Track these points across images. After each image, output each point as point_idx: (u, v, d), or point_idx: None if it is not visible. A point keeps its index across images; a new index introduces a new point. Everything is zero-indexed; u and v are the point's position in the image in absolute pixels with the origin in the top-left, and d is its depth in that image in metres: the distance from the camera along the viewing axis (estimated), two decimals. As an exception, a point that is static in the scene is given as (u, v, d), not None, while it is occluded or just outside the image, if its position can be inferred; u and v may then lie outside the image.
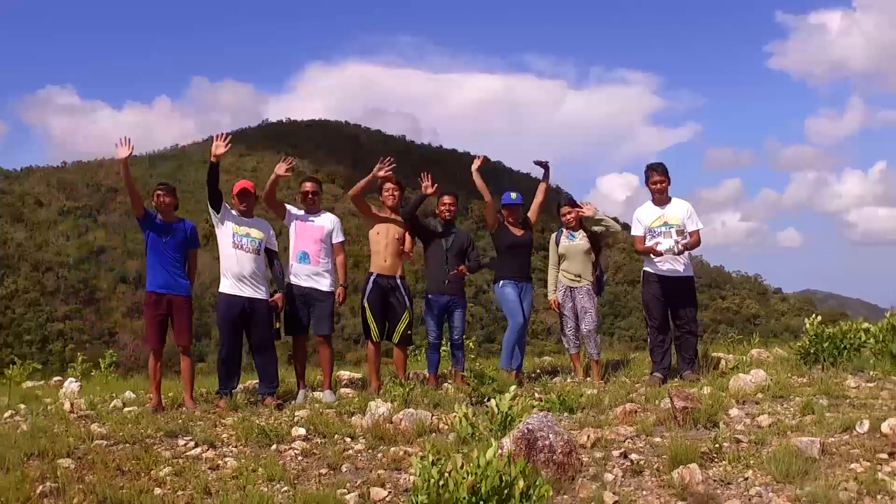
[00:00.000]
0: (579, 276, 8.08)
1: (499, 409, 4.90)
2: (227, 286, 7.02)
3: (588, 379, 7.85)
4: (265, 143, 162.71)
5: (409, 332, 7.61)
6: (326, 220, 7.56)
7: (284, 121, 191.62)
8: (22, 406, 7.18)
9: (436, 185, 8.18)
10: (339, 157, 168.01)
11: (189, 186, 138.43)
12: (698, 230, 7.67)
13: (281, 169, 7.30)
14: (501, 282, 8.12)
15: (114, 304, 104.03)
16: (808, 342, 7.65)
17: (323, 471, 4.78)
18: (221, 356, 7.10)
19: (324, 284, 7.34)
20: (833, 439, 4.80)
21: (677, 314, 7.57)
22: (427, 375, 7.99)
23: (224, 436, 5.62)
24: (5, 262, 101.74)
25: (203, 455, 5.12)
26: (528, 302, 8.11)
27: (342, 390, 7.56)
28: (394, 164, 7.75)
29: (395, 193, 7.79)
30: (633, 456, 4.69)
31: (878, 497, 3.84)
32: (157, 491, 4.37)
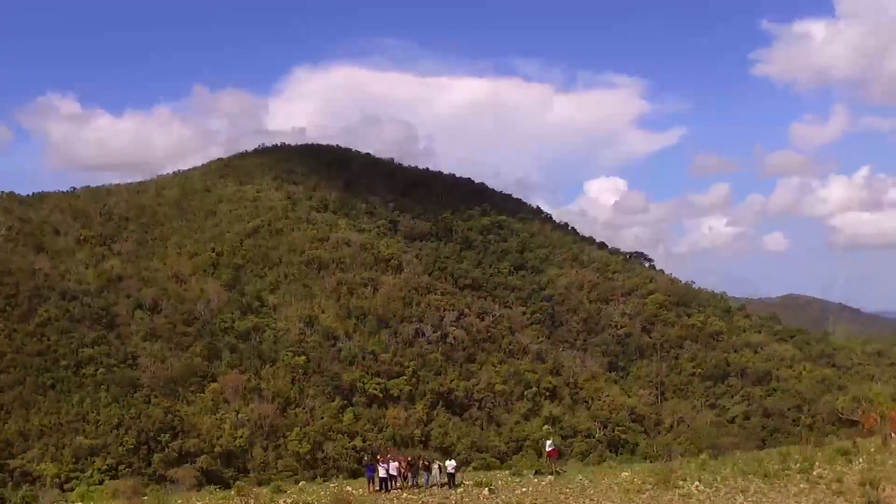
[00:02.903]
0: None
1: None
2: None
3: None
4: (262, 169, 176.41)
5: None
6: None
7: (279, 145, 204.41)
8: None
9: None
10: (331, 181, 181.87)
11: (193, 216, 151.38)
12: None
13: None
14: None
15: (133, 328, 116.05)
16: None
17: None
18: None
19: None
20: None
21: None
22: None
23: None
24: (36, 292, 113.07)
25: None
26: None
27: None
28: None
29: None
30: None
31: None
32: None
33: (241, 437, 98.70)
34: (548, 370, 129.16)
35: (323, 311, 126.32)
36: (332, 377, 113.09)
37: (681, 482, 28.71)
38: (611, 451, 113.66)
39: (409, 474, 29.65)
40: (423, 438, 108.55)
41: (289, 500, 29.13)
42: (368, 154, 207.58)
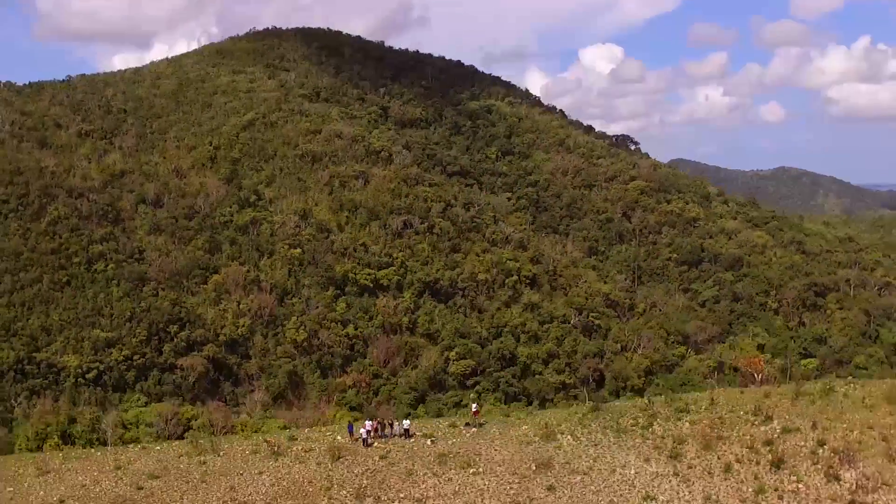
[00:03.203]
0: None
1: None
2: None
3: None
4: (255, 58, 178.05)
5: None
6: None
7: (270, 28, 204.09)
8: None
9: None
10: (322, 67, 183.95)
11: (189, 108, 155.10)
12: None
13: None
14: None
15: (137, 223, 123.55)
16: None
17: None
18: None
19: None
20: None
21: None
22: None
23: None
24: (45, 191, 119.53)
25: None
26: None
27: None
28: None
29: None
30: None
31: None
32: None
33: (243, 326, 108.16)
34: (529, 258, 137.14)
35: (316, 205, 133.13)
36: (326, 269, 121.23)
37: (559, 436, 37.29)
38: (584, 336, 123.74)
39: (378, 429, 38.79)
40: (411, 325, 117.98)
41: (299, 447, 38.50)
42: (359, 37, 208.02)
